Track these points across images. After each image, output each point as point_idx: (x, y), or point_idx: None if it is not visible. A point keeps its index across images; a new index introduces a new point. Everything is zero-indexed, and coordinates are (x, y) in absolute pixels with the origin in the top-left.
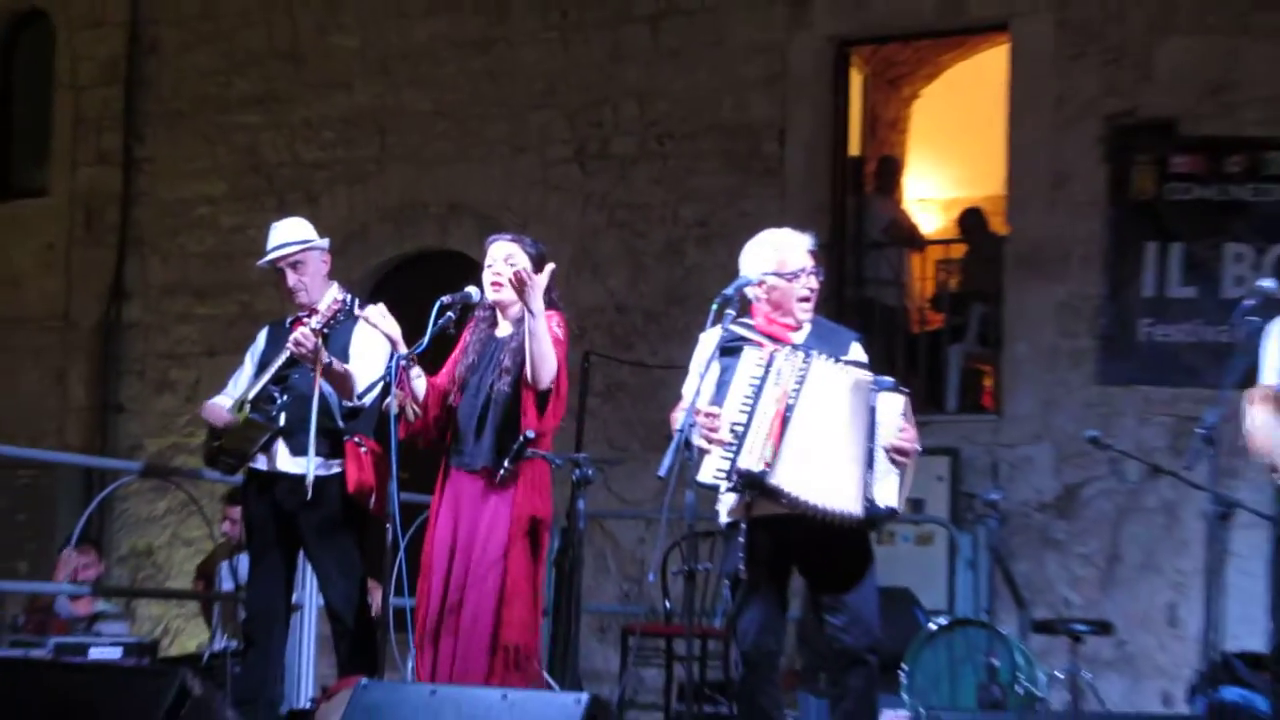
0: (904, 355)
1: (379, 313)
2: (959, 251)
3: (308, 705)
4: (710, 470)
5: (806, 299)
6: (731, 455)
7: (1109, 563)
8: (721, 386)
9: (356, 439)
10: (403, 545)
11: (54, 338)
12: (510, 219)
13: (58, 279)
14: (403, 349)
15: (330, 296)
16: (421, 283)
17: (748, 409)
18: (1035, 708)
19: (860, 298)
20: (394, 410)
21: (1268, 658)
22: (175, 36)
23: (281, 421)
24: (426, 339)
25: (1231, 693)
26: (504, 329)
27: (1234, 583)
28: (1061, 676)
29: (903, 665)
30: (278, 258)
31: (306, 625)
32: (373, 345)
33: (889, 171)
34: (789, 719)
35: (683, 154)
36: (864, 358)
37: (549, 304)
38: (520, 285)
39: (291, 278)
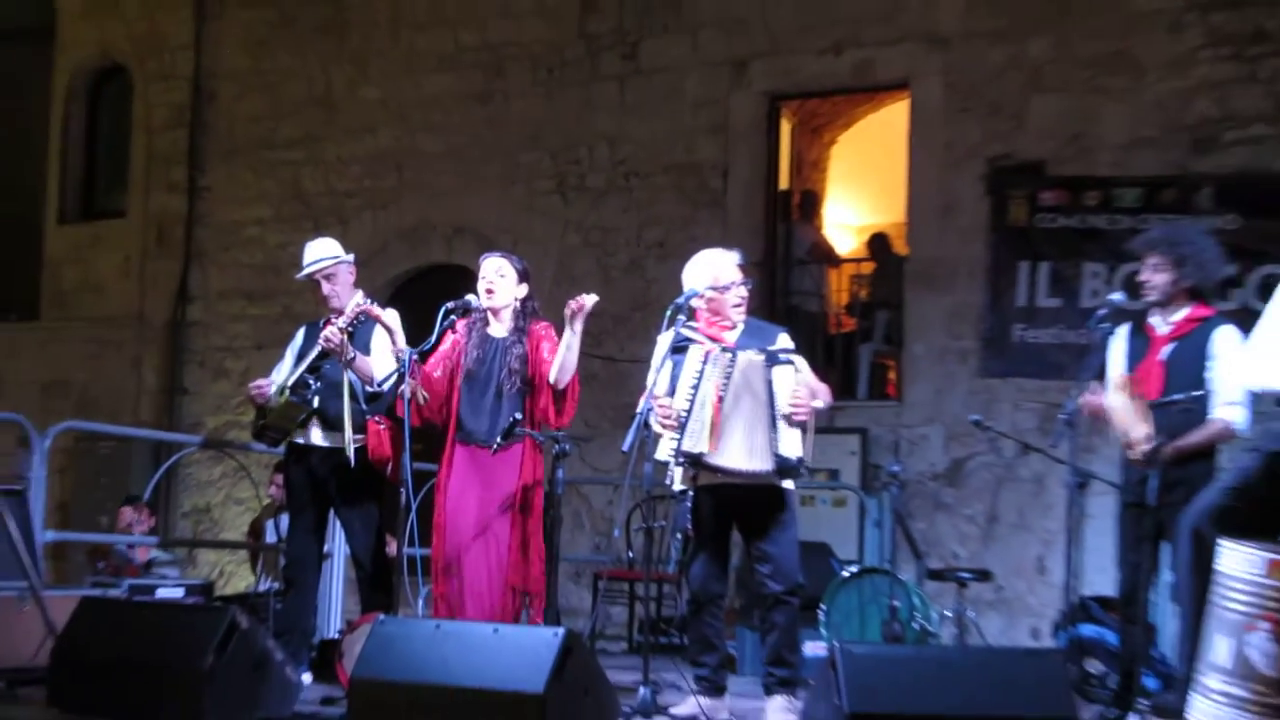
0: (823, 353)
1: (390, 315)
2: (868, 268)
3: (336, 636)
4: (665, 451)
5: (739, 304)
6: (678, 439)
7: (989, 522)
8: (673, 380)
9: (376, 418)
10: (414, 505)
11: (131, 333)
12: (504, 239)
13: (134, 285)
14: (400, 337)
15: (354, 302)
16: (431, 291)
17: (690, 399)
18: (929, 641)
19: (788, 306)
20: (407, 395)
21: (1117, 600)
22: (231, 89)
23: (315, 404)
24: (434, 337)
25: (1088, 629)
26: (497, 329)
27: (1089, 540)
28: (950, 615)
29: (821, 605)
30: (313, 270)
31: (335, 571)
32: (389, 342)
33: (811, 203)
34: (729, 648)
35: (644, 188)
36: (790, 344)
37: (533, 314)
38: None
39: (325, 286)
